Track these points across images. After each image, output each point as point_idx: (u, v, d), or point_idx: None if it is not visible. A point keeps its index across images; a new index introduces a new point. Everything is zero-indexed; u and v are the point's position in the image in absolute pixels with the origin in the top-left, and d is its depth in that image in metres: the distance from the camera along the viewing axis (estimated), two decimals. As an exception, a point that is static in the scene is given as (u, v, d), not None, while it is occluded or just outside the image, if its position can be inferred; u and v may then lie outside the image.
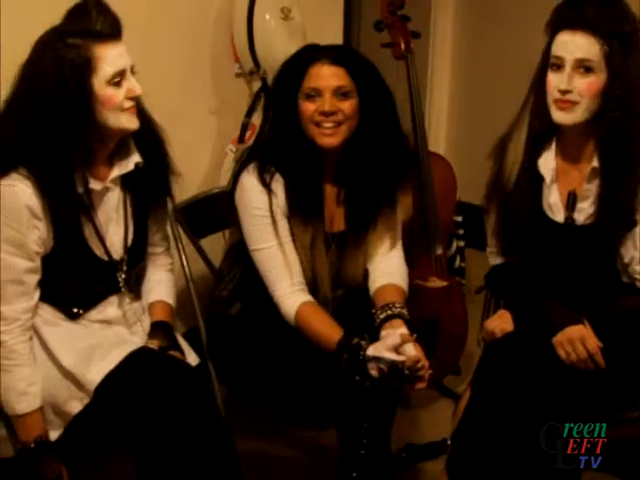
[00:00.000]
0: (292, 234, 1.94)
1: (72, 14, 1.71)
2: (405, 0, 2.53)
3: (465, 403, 1.84)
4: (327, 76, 1.88)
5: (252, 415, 2.49)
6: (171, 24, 2.51)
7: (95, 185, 1.80)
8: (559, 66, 1.75)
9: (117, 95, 1.73)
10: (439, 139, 3.58)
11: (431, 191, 2.51)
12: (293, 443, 2.51)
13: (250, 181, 1.93)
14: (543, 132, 1.85)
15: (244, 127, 2.65)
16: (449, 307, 2.65)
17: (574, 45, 1.73)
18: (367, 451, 1.91)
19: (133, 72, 1.77)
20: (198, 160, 2.72)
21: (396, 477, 2.22)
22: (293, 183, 1.93)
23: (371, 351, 1.74)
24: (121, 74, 1.73)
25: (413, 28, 2.56)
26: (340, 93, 1.88)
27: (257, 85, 2.65)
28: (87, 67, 1.69)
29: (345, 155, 1.96)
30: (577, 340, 1.72)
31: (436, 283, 2.59)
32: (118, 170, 1.84)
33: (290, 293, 1.91)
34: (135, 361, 1.72)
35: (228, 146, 2.66)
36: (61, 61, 1.67)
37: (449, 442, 1.99)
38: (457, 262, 2.81)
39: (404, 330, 1.81)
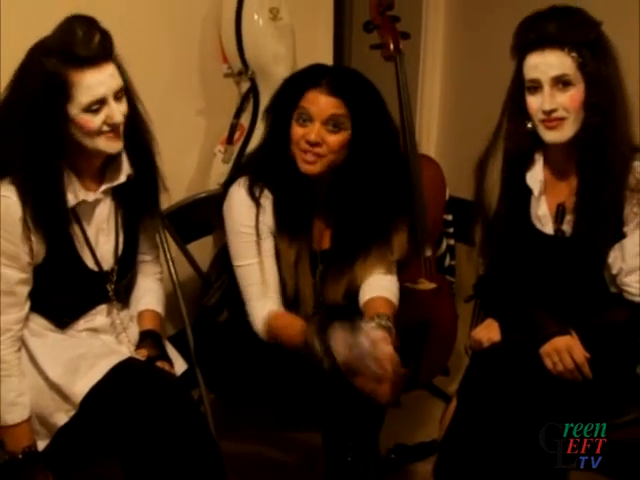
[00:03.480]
0: (277, 250, 1.94)
1: (59, 30, 1.66)
2: (395, 1, 2.52)
3: (452, 412, 1.84)
4: (322, 104, 1.82)
5: (241, 417, 2.50)
6: (159, 24, 2.50)
7: (86, 197, 1.79)
8: (536, 88, 1.74)
9: (93, 122, 1.69)
10: (430, 138, 3.57)
11: (420, 194, 2.50)
12: (283, 445, 2.52)
13: (239, 195, 1.93)
14: (521, 154, 1.84)
15: (233, 128, 2.64)
16: (438, 309, 2.65)
17: (546, 64, 1.71)
18: (354, 459, 1.90)
19: (119, 97, 1.72)
20: (186, 161, 2.71)
21: (385, 479, 2.24)
22: (281, 202, 1.92)
23: (341, 327, 1.71)
24: (99, 102, 1.68)
25: (403, 28, 2.55)
26: (331, 124, 1.83)
27: (246, 86, 2.63)
28: (61, 93, 1.65)
29: (336, 182, 1.93)
30: (564, 350, 1.72)
31: (425, 285, 2.59)
32: (110, 182, 1.84)
33: (262, 307, 1.92)
34: (121, 373, 1.72)
35: (217, 147, 2.65)
36: (37, 81, 1.65)
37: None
38: (447, 261, 2.80)
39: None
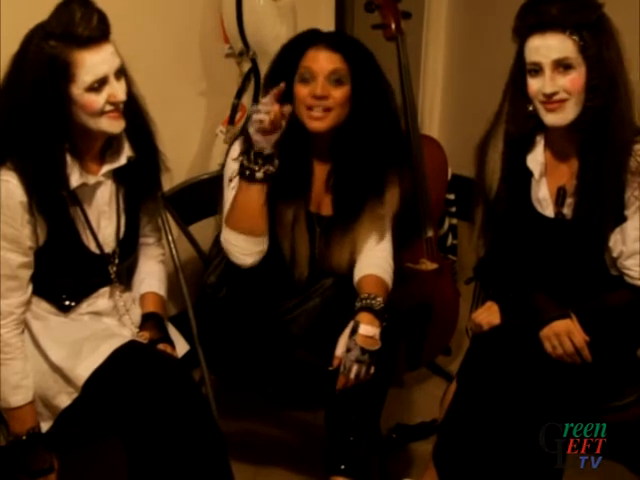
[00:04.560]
0: (274, 210, 1.94)
1: (57, 12, 1.66)
2: (396, -20, 2.50)
3: (452, 394, 1.85)
4: (323, 60, 1.89)
5: (242, 395, 2.53)
6: (160, 3, 2.48)
7: (87, 179, 1.80)
8: (537, 71, 1.74)
9: (96, 101, 1.70)
10: (433, 117, 3.55)
11: (422, 174, 2.50)
12: (284, 423, 2.54)
13: (233, 152, 1.96)
14: (522, 136, 1.84)
15: (234, 108, 2.63)
16: (440, 289, 2.66)
17: (547, 47, 1.71)
18: (356, 438, 1.93)
19: (119, 75, 1.73)
20: (188, 142, 2.70)
21: (386, 458, 2.26)
22: (281, 160, 1.91)
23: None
24: (102, 81, 1.69)
25: (405, 8, 2.53)
26: (334, 79, 1.89)
27: (247, 66, 2.61)
28: (64, 73, 1.65)
29: (336, 140, 1.97)
30: (564, 334, 1.73)
31: (427, 265, 2.60)
32: (110, 164, 1.84)
33: None
34: (123, 356, 1.73)
35: (218, 127, 2.64)
36: (39, 64, 1.65)
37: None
38: (449, 240, 2.81)
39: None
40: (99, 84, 1.69)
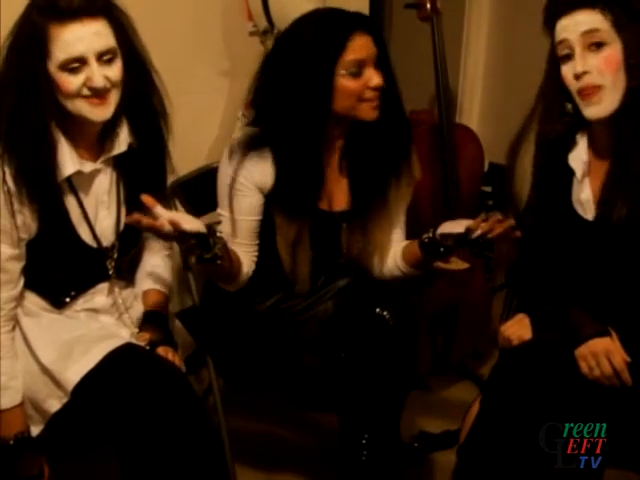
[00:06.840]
0: (275, 223, 1.84)
1: None
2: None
3: (473, 416, 1.70)
4: (368, 46, 1.75)
5: (257, 396, 2.45)
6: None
7: (83, 167, 1.69)
8: (568, 55, 1.59)
9: (71, 82, 1.58)
10: (473, 104, 3.41)
11: (454, 166, 2.37)
12: (300, 426, 2.47)
13: (232, 146, 1.87)
14: (559, 136, 1.69)
15: (257, 90, 2.51)
16: (471, 289, 2.55)
17: (575, 23, 1.56)
18: (369, 455, 1.82)
19: (105, 58, 1.60)
20: (208, 126, 2.62)
21: (406, 469, 2.14)
22: (287, 179, 1.81)
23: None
24: (78, 60, 1.57)
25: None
26: (376, 63, 1.77)
27: (272, 45, 2.45)
28: (40, 49, 1.56)
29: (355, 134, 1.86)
30: (602, 354, 1.56)
31: (458, 265, 2.46)
32: (109, 152, 1.73)
33: None
34: (116, 360, 1.62)
35: (240, 111, 2.52)
36: (21, 38, 1.57)
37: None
38: (485, 235, 2.67)
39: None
40: (75, 64, 1.57)
